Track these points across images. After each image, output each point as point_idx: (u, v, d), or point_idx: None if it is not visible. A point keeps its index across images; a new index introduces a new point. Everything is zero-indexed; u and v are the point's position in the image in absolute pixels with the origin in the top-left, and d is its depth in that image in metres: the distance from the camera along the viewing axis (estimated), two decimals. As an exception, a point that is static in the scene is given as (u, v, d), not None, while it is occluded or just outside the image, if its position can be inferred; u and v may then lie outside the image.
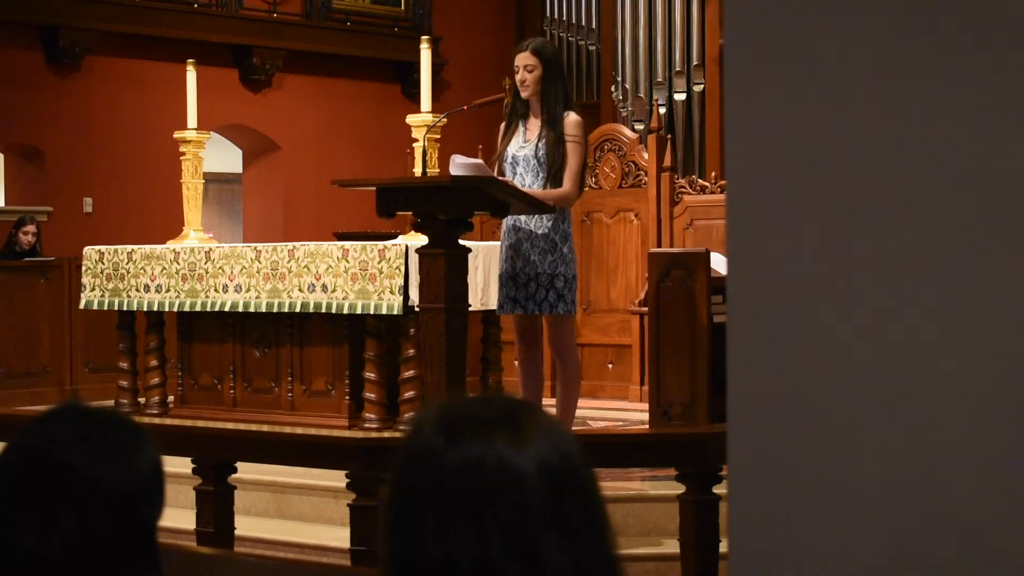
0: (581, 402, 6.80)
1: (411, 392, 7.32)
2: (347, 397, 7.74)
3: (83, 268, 8.70)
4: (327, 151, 13.04)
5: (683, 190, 9.35)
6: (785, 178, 1.61)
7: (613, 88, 13.03)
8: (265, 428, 7.36)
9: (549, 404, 6.49)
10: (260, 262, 7.89)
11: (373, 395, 7.53)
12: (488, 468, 1.41)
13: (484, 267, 7.54)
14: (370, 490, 4.50)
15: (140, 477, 1.72)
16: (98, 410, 1.77)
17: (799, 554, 1.60)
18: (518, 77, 6.20)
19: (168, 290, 8.28)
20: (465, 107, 6.84)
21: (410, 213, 6.35)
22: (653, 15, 12.75)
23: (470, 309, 6.10)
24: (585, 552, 1.43)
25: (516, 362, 6.47)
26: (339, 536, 5.63)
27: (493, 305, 6.86)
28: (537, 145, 6.17)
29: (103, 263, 8.59)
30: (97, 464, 1.69)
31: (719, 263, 6.99)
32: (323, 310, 7.62)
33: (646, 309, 7.84)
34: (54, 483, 1.68)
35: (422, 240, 6.41)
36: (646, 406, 7.32)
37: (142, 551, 1.72)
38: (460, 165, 5.89)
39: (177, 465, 4.52)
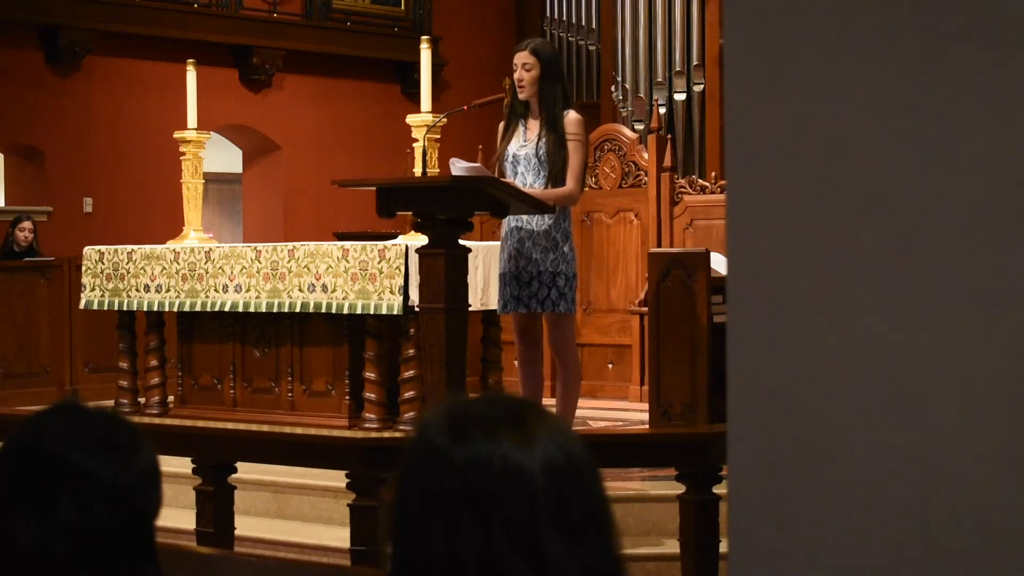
0: (581, 402, 6.80)
1: (411, 392, 7.32)
2: (347, 397, 7.74)
3: (83, 268, 8.70)
4: (327, 151, 13.04)
5: (683, 190, 9.35)
6: (785, 178, 1.61)
7: (613, 88, 13.03)
8: (265, 428, 7.36)
9: (549, 404, 6.48)
10: (260, 262, 7.89)
11: (373, 395, 7.53)
12: (494, 467, 1.42)
13: (484, 267, 7.54)
14: (370, 490, 4.49)
15: (136, 472, 1.73)
16: (92, 408, 1.78)
17: (799, 554, 1.60)
18: (516, 76, 6.21)
19: (168, 290, 8.28)
20: (465, 107, 6.84)
21: (410, 213, 6.35)
22: (653, 15, 12.75)
23: (470, 309, 6.10)
24: (590, 552, 1.43)
25: (516, 362, 6.47)
26: (339, 536, 5.63)
27: (493, 305, 6.86)
28: (538, 145, 6.17)
29: (103, 263, 8.59)
30: (91, 459, 1.70)
31: (719, 263, 6.99)
32: (323, 310, 7.61)
33: (646, 309, 7.84)
34: (49, 476, 1.69)
35: (422, 240, 6.41)
36: (646, 406, 7.32)
37: (141, 545, 1.73)
38: (460, 169, 5.89)
39: (177, 465, 4.52)
